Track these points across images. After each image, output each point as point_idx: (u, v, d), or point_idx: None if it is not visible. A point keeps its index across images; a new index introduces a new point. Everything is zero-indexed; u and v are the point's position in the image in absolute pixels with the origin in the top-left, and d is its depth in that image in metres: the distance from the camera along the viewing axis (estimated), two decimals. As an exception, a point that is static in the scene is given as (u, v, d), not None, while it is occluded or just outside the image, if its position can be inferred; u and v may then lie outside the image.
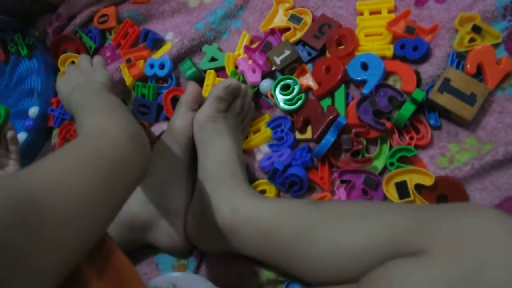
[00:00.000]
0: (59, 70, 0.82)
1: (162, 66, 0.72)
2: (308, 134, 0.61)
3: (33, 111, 0.81)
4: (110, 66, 0.79)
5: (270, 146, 0.63)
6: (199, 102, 0.63)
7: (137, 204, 0.59)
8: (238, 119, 0.62)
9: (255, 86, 0.66)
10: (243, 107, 0.63)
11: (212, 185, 0.57)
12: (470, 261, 0.34)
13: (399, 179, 0.54)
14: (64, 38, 0.83)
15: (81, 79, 0.65)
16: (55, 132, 0.80)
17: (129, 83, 0.75)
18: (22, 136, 0.79)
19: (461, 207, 0.40)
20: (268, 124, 0.64)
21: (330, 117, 0.58)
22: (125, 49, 0.78)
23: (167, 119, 0.70)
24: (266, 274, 0.56)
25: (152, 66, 0.72)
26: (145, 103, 0.71)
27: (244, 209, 0.53)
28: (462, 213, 0.38)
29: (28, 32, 0.86)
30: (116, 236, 0.57)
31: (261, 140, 0.64)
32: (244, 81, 0.66)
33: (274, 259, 0.51)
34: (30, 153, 0.80)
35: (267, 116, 0.65)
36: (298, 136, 0.61)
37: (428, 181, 0.53)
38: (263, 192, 0.61)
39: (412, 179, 0.54)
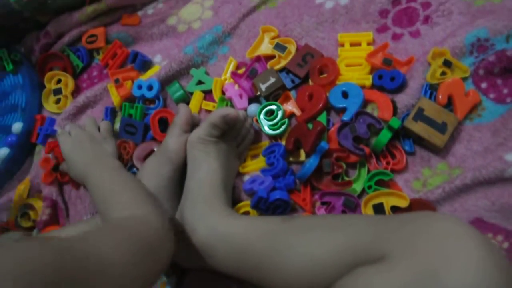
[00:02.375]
0: (44, 87, 0.83)
1: (150, 88, 0.74)
2: (301, 157, 0.64)
3: (17, 126, 0.80)
4: (97, 86, 0.80)
5: (263, 171, 0.65)
6: (191, 124, 0.66)
7: None
8: (232, 144, 0.65)
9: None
10: (239, 133, 0.65)
11: (193, 203, 0.59)
12: (428, 264, 0.35)
13: (376, 201, 0.58)
14: (51, 55, 0.83)
15: (94, 153, 0.67)
16: (38, 148, 0.80)
17: (116, 103, 0.76)
18: (4, 151, 0.79)
19: (421, 215, 0.42)
20: (264, 151, 0.65)
21: (318, 128, 0.61)
22: (113, 69, 0.79)
23: (153, 139, 0.72)
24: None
25: (140, 87, 0.74)
26: (132, 123, 0.73)
27: (219, 227, 0.55)
28: (422, 220, 0.40)
29: (14, 48, 0.87)
30: None
31: (258, 167, 0.66)
32: (232, 106, 0.69)
33: (250, 276, 0.53)
34: (11, 169, 0.80)
35: (267, 143, 0.67)
36: (291, 158, 0.64)
37: (403, 203, 0.57)
38: (246, 214, 0.63)
39: (389, 201, 0.57)
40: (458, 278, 0.34)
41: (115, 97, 0.76)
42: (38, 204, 0.74)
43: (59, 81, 0.83)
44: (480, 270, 0.34)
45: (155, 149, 0.70)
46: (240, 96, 0.69)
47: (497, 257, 0.36)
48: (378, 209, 0.57)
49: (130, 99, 0.76)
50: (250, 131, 0.67)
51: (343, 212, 0.59)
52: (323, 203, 0.60)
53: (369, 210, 0.58)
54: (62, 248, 0.37)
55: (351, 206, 0.58)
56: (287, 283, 0.49)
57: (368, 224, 0.45)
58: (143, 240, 0.46)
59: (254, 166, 0.66)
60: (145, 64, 0.79)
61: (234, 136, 0.65)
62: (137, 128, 0.72)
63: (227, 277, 0.58)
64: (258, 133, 0.68)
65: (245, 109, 0.68)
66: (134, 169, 0.71)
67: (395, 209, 0.57)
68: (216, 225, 0.55)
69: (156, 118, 0.71)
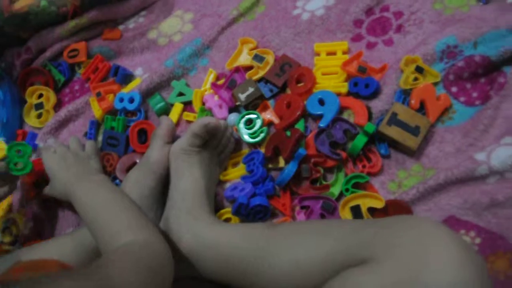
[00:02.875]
0: (25, 102, 0.83)
1: (131, 100, 0.75)
2: (280, 163, 0.65)
3: (-2, 142, 0.81)
4: (79, 100, 0.81)
5: (243, 178, 0.66)
6: (173, 135, 0.67)
7: None
8: (214, 153, 0.66)
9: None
10: (220, 142, 0.66)
11: (177, 213, 0.59)
12: (411, 264, 0.38)
13: (353, 203, 0.59)
14: (33, 70, 0.84)
15: (80, 169, 0.66)
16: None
17: (98, 116, 0.77)
18: (-15, 167, 0.79)
19: (403, 218, 0.45)
20: (244, 158, 0.67)
21: (296, 135, 0.62)
22: (95, 83, 0.80)
23: (135, 151, 0.73)
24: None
25: (121, 100, 0.75)
26: (114, 135, 0.73)
27: (204, 235, 0.56)
28: (404, 223, 0.43)
29: (-6, 64, 0.87)
30: (84, 262, 0.58)
31: (238, 175, 0.67)
32: (212, 116, 0.71)
33: (237, 282, 0.54)
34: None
35: (247, 151, 0.68)
36: (270, 165, 0.66)
37: (378, 204, 0.58)
38: (227, 220, 0.64)
39: (365, 203, 0.59)
40: (438, 276, 0.36)
41: (96, 111, 0.77)
42: (21, 219, 0.73)
43: (40, 95, 0.83)
44: (459, 267, 0.37)
45: (138, 161, 0.71)
46: (220, 106, 0.70)
47: (472, 254, 0.38)
48: (356, 211, 0.59)
49: (112, 112, 0.77)
50: (231, 140, 0.68)
51: (322, 215, 0.60)
52: (302, 208, 0.62)
53: (347, 212, 0.59)
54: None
55: (329, 209, 0.60)
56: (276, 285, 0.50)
57: (351, 229, 0.46)
58: (148, 265, 0.47)
59: (235, 173, 0.67)
60: (126, 77, 0.81)
61: (215, 145, 0.66)
62: (119, 140, 0.73)
63: (215, 284, 0.58)
64: (239, 142, 0.70)
65: (225, 119, 0.70)
66: (117, 181, 0.71)
67: (371, 210, 0.59)
68: (202, 233, 0.56)
69: (135, 129, 0.72)
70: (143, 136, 0.73)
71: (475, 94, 0.64)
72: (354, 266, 0.42)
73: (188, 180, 0.62)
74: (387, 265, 0.39)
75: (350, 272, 0.42)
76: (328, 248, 0.45)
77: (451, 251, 0.38)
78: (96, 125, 0.77)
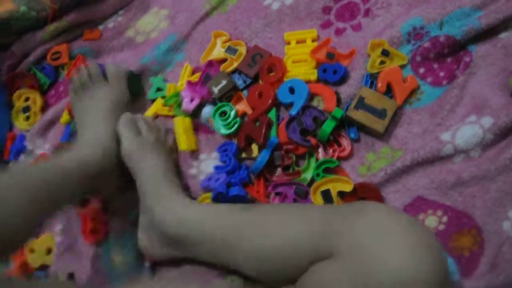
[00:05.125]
0: (13, 105, 0.86)
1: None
2: (254, 153, 0.67)
3: (-11, 145, 0.84)
4: (64, 100, 0.83)
5: (216, 167, 0.68)
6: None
7: None
8: (156, 137, 0.69)
9: (188, 112, 0.73)
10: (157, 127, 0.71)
11: (154, 201, 0.62)
12: (371, 256, 0.40)
13: (323, 187, 0.61)
14: (19, 75, 0.87)
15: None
16: (11, 165, 0.84)
17: (63, 121, 0.81)
18: (-22, 169, 0.82)
19: (362, 207, 0.47)
20: (218, 149, 0.69)
21: (266, 122, 0.65)
22: (78, 82, 0.83)
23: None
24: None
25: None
26: None
27: (187, 216, 0.59)
28: (363, 214, 0.45)
29: (-19, 70, 0.90)
30: None
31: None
32: (179, 105, 0.73)
33: (222, 260, 0.57)
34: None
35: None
36: (244, 155, 0.68)
37: (347, 188, 0.60)
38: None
39: (335, 187, 0.61)
40: (396, 265, 0.39)
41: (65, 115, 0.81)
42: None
43: (27, 98, 0.86)
44: (414, 254, 0.39)
45: None
46: (192, 99, 0.72)
47: (427, 238, 0.41)
48: (326, 195, 0.61)
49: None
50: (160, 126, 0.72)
51: (295, 200, 0.62)
52: (276, 194, 0.64)
53: (318, 197, 0.61)
54: None
55: (302, 194, 0.62)
56: (250, 266, 0.54)
57: (319, 219, 0.49)
58: None
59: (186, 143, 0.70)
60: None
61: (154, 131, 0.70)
62: None
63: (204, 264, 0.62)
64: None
65: (191, 111, 0.72)
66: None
67: (341, 194, 0.61)
68: (183, 215, 0.59)
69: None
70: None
71: (442, 74, 0.65)
72: (322, 259, 0.45)
73: (146, 168, 0.65)
74: (348, 259, 0.42)
75: (316, 268, 0.45)
76: (294, 240, 0.49)
77: (407, 238, 0.41)
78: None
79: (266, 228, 0.53)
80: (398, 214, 0.44)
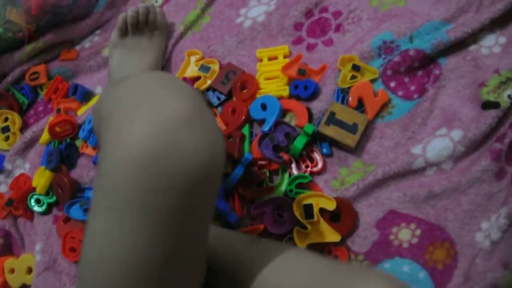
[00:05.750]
0: (-7, 126, 0.86)
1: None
2: (228, 169, 0.67)
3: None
4: (43, 120, 0.83)
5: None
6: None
7: None
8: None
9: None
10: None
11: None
12: None
13: (306, 201, 0.60)
14: (-3, 95, 0.87)
15: None
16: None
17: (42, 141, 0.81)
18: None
19: (366, 276, 0.43)
20: None
21: (239, 136, 0.65)
22: (56, 102, 0.83)
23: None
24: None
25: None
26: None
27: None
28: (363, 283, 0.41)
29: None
30: None
31: None
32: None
33: None
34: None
35: None
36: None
37: (330, 206, 0.59)
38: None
39: (318, 203, 0.60)
40: None
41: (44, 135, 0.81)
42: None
43: (6, 119, 0.86)
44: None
45: None
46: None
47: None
48: (308, 209, 0.59)
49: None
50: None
51: (279, 215, 0.61)
52: (256, 215, 0.63)
53: (301, 209, 0.60)
54: None
55: (284, 206, 0.61)
56: None
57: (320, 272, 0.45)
58: None
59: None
60: (86, 95, 0.83)
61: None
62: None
63: None
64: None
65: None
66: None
67: (322, 210, 0.60)
68: None
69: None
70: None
71: (413, 88, 0.66)
72: None
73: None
74: None
75: None
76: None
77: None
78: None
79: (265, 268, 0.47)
80: (391, 281, 0.41)
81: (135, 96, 0.38)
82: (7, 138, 0.86)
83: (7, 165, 0.83)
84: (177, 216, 0.35)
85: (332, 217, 0.60)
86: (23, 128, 0.86)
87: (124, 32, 0.74)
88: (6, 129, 0.86)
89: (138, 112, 0.35)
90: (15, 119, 0.86)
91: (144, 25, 0.75)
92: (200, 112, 0.36)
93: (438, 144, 0.60)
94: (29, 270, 0.74)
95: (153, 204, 0.34)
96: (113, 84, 0.53)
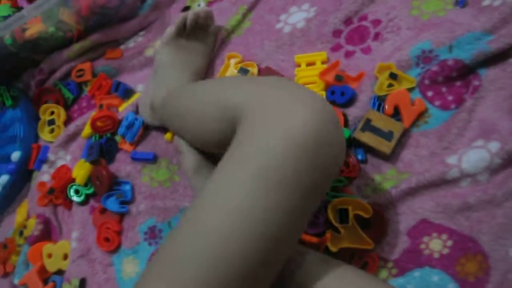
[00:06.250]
0: (40, 118, 0.91)
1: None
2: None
3: (16, 155, 0.88)
4: (86, 115, 0.87)
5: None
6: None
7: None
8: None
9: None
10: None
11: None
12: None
13: (341, 206, 0.61)
14: (45, 90, 0.92)
15: None
16: (35, 174, 0.88)
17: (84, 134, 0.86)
18: (4, 178, 0.87)
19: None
20: None
21: None
22: (99, 97, 0.87)
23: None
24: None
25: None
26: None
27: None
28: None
29: (13, 85, 0.96)
30: None
31: None
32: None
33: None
34: (11, 194, 0.88)
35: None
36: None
37: (366, 213, 0.59)
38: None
39: (354, 209, 0.60)
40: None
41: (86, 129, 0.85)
42: (31, 224, 0.81)
43: (52, 112, 0.91)
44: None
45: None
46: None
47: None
48: (343, 213, 0.60)
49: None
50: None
51: (314, 216, 0.62)
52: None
53: (334, 213, 0.61)
54: None
55: (320, 208, 0.62)
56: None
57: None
58: None
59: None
60: (127, 92, 0.86)
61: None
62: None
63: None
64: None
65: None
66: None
67: (357, 216, 0.60)
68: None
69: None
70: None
71: (450, 98, 0.65)
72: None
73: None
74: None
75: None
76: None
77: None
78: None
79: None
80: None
81: (284, 91, 0.46)
82: (52, 131, 0.90)
83: (51, 156, 0.87)
84: (316, 192, 0.44)
85: (363, 223, 0.60)
86: (67, 122, 0.91)
87: (181, 32, 0.75)
88: (51, 122, 0.90)
89: (300, 104, 0.43)
90: (60, 113, 0.90)
91: (201, 29, 0.77)
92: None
93: (475, 155, 0.59)
94: (65, 256, 0.77)
95: (306, 182, 0.42)
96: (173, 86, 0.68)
